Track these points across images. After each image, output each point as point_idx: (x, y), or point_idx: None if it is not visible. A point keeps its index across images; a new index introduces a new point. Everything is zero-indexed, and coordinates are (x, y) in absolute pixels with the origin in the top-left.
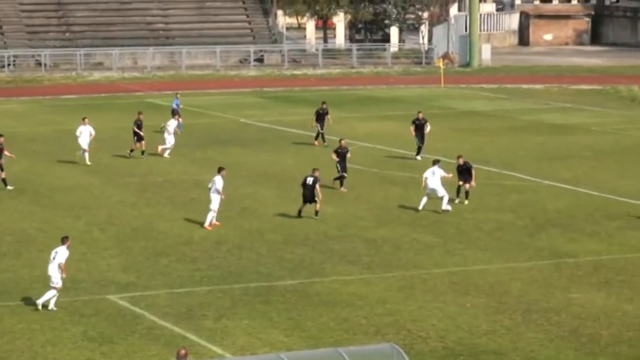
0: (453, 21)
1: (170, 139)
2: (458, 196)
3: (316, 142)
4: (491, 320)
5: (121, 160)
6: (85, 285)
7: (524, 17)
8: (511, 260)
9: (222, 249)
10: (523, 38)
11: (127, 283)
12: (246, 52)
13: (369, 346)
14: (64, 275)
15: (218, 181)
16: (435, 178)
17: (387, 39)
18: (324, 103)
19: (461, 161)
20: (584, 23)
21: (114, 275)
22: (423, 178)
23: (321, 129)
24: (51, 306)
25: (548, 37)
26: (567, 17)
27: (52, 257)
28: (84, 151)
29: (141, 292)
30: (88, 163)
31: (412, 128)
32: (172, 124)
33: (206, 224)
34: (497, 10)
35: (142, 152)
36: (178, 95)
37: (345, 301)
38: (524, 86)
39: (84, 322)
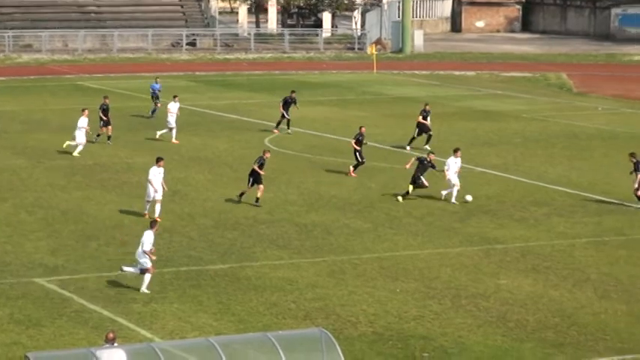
0: (385, 7)
1: (172, 121)
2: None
3: (276, 130)
4: (420, 305)
5: (50, 142)
6: (12, 267)
7: (457, 4)
8: (441, 246)
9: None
10: (455, 25)
11: (56, 266)
12: (178, 36)
13: (298, 331)
14: None
15: (154, 172)
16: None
17: (319, 24)
18: (293, 92)
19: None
20: (516, 11)
21: (42, 258)
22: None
23: (287, 115)
24: None
25: (480, 24)
26: (499, 4)
27: None
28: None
29: (69, 276)
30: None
31: (420, 118)
32: (173, 106)
33: (157, 214)
34: None
35: (109, 137)
36: (158, 80)
37: (274, 286)
38: (456, 73)
39: (10, 304)
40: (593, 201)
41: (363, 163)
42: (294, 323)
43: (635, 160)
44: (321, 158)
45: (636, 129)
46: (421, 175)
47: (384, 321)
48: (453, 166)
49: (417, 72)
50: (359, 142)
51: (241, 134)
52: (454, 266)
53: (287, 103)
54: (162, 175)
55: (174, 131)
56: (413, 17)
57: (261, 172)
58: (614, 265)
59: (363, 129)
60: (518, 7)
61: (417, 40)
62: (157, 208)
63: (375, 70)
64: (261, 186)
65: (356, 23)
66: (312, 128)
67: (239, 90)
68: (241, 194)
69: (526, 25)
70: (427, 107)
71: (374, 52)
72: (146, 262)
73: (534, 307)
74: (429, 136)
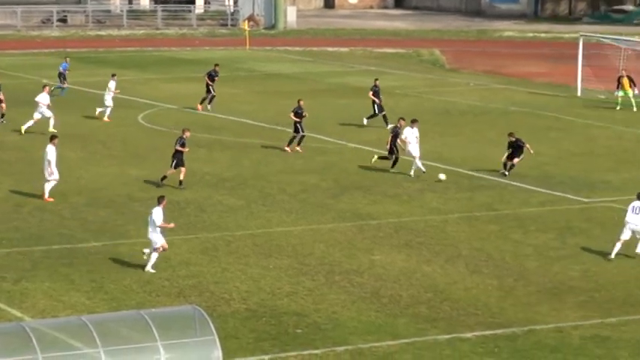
0: None
1: (109, 100)
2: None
3: (199, 107)
4: (293, 282)
5: None
6: None
7: None
8: (314, 222)
9: (23, 211)
10: (328, 1)
11: None
12: (48, 12)
13: (172, 308)
14: None
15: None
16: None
17: (192, 1)
18: (216, 65)
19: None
20: None
21: None
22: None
23: (213, 91)
24: None
25: (353, 0)
26: None
27: None
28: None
29: None
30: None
31: (371, 93)
32: (112, 84)
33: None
34: None
35: (2, 115)
36: (68, 59)
37: None
38: (330, 49)
39: None
40: (465, 177)
41: (303, 135)
42: (167, 301)
43: (513, 139)
44: (194, 135)
45: (506, 104)
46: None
47: (257, 298)
48: (411, 136)
49: (289, 48)
50: (298, 114)
51: (114, 111)
52: (328, 242)
53: (211, 77)
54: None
55: (108, 110)
56: None
57: (185, 150)
58: (485, 241)
59: (302, 102)
60: None
61: (290, 16)
62: (47, 187)
63: (247, 47)
64: (183, 168)
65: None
66: (185, 104)
67: (111, 67)
68: (163, 178)
69: (399, 2)
70: (377, 82)
71: (246, 28)
72: (156, 243)
73: (407, 283)
74: (384, 116)
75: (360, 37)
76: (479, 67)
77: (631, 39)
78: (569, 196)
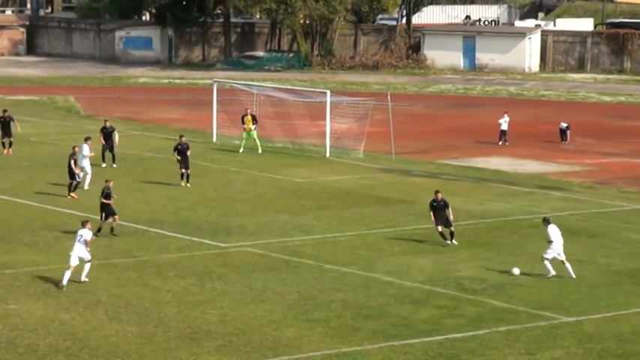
0: None
1: None
2: None
3: None
4: None
5: None
6: None
7: None
8: None
9: None
10: None
11: None
12: None
13: None
14: None
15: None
16: None
17: None
18: None
19: None
20: (20, 34)
21: None
22: None
23: None
24: None
25: None
26: (2, 27)
27: None
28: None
29: None
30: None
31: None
32: None
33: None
34: None
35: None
36: None
37: None
38: None
39: None
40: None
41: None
42: None
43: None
44: None
45: (143, 150)
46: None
47: None
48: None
49: None
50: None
51: None
52: None
53: None
54: None
55: None
56: None
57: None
58: (124, 287)
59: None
60: (22, 29)
61: None
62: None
63: None
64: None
65: None
66: None
67: None
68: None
69: (31, 48)
70: (107, 124)
71: None
72: None
73: (45, 331)
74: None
75: None
76: (115, 113)
77: (262, 84)
78: (206, 241)
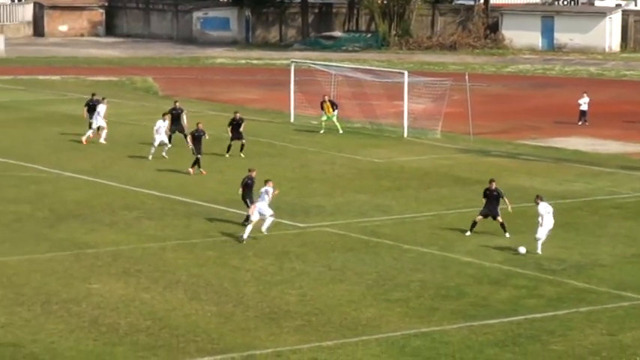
0: None
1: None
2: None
3: None
4: (8, 312)
5: None
6: None
7: (39, 8)
8: (30, 252)
9: None
10: (38, 29)
11: None
12: None
13: None
14: None
15: None
16: None
17: None
18: None
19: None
20: (99, 15)
21: None
22: None
23: None
24: None
25: (63, 28)
26: (82, 9)
27: None
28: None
29: None
30: None
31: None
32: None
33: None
34: (12, 0)
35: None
36: None
37: None
38: (41, 77)
39: None
40: (181, 204)
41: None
42: None
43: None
44: None
45: (221, 131)
46: None
47: None
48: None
49: None
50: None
51: None
52: (44, 272)
53: None
54: None
55: None
56: None
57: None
58: (203, 267)
59: (200, 125)
60: (101, 10)
61: None
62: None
63: None
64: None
65: None
66: None
67: None
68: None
69: (110, 29)
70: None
71: None
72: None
73: (126, 311)
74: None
75: (71, 64)
76: (193, 94)
77: (340, 65)
78: (285, 221)
